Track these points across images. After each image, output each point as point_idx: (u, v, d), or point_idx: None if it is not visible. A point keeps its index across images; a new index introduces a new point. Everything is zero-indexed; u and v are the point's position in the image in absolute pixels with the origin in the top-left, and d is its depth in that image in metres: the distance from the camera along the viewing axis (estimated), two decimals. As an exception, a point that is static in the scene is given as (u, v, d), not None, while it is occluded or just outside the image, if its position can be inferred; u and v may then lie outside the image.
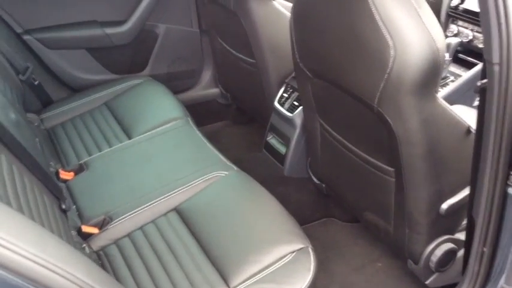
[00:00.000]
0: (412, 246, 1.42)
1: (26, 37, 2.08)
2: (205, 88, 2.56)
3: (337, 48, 1.22)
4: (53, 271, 0.69)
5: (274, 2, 1.86)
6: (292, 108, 1.95)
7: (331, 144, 1.56)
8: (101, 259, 1.40)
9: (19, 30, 2.07)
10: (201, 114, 2.32)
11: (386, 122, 1.16)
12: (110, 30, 2.21)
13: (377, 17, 1.05)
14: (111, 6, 2.22)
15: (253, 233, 1.38)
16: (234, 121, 2.65)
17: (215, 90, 2.57)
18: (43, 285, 0.67)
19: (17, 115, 1.51)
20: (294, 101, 1.95)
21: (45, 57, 2.15)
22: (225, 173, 1.60)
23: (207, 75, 2.55)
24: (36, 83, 2.07)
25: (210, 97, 2.58)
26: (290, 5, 2.04)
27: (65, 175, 1.69)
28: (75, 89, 2.26)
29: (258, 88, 2.10)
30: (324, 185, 1.81)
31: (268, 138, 2.14)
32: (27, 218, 0.79)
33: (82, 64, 2.24)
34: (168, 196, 1.53)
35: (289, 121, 1.97)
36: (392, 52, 1.05)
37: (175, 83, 2.39)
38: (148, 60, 2.36)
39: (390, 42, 1.05)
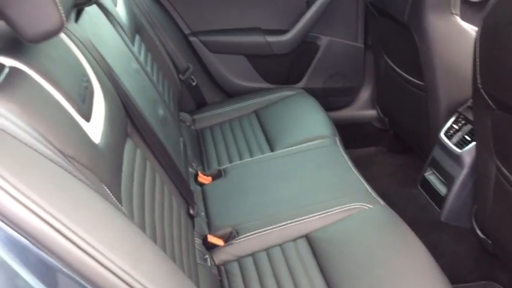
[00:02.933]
0: None
1: (191, 38, 2.14)
2: (361, 108, 2.36)
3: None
4: None
5: (456, 17, 1.59)
6: (461, 143, 1.65)
7: (508, 195, 1.24)
8: (221, 275, 1.31)
9: (186, 31, 2.14)
10: (352, 135, 2.13)
11: None
12: (271, 39, 2.17)
13: None
14: (276, 14, 2.17)
15: (392, 284, 1.15)
16: (388, 148, 2.39)
17: (372, 112, 2.36)
18: None
19: (165, 112, 1.51)
20: (466, 134, 1.65)
21: (206, 59, 2.18)
22: (369, 206, 1.39)
23: (365, 94, 2.35)
24: (194, 83, 2.12)
25: (365, 119, 2.37)
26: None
27: (203, 178, 1.66)
28: (229, 94, 2.26)
29: (422, 115, 1.84)
30: (490, 242, 1.48)
31: (426, 174, 1.86)
32: (128, 223, 0.71)
33: (239, 70, 2.23)
34: (300, 220, 1.38)
35: (456, 158, 1.66)
36: None
37: (329, 99, 2.24)
38: (305, 73, 2.26)
39: None
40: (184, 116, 2.01)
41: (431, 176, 1.84)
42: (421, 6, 1.56)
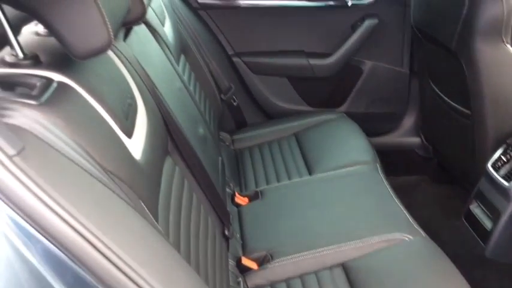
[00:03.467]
0: None
1: (234, 59, 2.16)
2: (404, 135, 2.30)
3: None
4: None
5: (507, 45, 1.54)
6: (509, 176, 1.57)
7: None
8: (253, 299, 1.29)
9: (230, 52, 2.16)
10: (393, 163, 2.08)
11: None
12: (314, 62, 2.16)
13: None
14: (320, 38, 2.17)
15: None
16: (432, 178, 2.32)
17: (415, 140, 2.29)
18: None
19: (205, 131, 1.52)
20: (515, 167, 1.57)
21: (248, 80, 2.20)
22: (410, 237, 1.34)
23: (408, 121, 2.29)
24: (235, 104, 2.13)
25: (407, 146, 2.31)
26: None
27: (239, 199, 1.65)
28: (270, 115, 2.26)
29: (469, 144, 1.77)
30: None
31: (471, 206, 1.77)
32: (163, 241, 0.70)
33: (281, 92, 2.23)
34: (337, 248, 1.34)
35: (504, 191, 1.58)
36: None
37: (371, 125, 2.20)
38: (347, 97, 2.24)
39: None
40: (224, 135, 2.02)
41: (476, 209, 1.75)
42: (470, 34, 1.52)
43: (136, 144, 0.91)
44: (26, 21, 0.92)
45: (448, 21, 1.61)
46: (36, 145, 0.62)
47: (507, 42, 1.54)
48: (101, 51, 0.76)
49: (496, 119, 1.62)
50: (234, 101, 2.12)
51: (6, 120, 0.63)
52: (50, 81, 0.75)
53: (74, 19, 0.73)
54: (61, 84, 0.77)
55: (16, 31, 0.85)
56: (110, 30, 0.75)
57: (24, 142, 0.59)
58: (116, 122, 0.85)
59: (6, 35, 0.75)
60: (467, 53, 1.57)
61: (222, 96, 2.06)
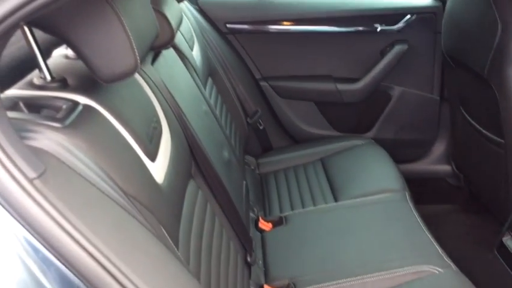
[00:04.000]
0: None
1: (262, 83, 2.17)
2: (434, 163, 2.24)
3: None
4: None
5: (543, 72, 1.49)
6: (546, 209, 1.51)
7: None
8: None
9: (257, 76, 2.17)
10: (423, 191, 2.02)
11: None
12: (342, 87, 2.15)
13: None
14: (348, 63, 2.16)
15: None
16: (463, 207, 2.24)
17: (445, 168, 2.23)
18: None
19: (230, 155, 1.52)
20: (551, 199, 1.50)
21: (274, 104, 2.19)
22: (439, 270, 1.28)
23: (439, 148, 2.23)
24: (261, 127, 2.13)
25: (438, 174, 2.25)
26: None
27: (263, 225, 1.63)
28: (296, 140, 2.24)
29: (501, 174, 1.71)
30: None
31: (504, 239, 1.70)
32: (183, 269, 0.69)
33: (308, 116, 2.22)
34: (363, 279, 1.30)
35: (540, 224, 1.51)
36: None
37: (400, 151, 2.15)
38: (375, 122, 2.20)
39: None
40: (249, 159, 2.01)
41: (509, 241, 1.68)
42: (502, 61, 1.48)
43: (160, 168, 0.91)
44: (57, 45, 0.94)
45: (480, 48, 1.58)
46: (57, 168, 0.62)
47: (542, 70, 1.49)
48: (127, 75, 0.77)
49: (531, 149, 1.56)
50: (260, 124, 2.11)
51: (29, 142, 0.63)
52: (75, 104, 0.76)
53: (101, 43, 0.73)
54: (86, 107, 0.77)
55: (46, 54, 0.87)
56: (137, 55, 0.76)
57: (45, 164, 0.59)
58: (139, 145, 0.85)
59: (36, 58, 0.77)
60: (499, 80, 1.53)
61: (248, 119, 2.06)
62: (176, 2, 1.34)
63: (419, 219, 1.54)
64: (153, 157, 0.90)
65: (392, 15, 2.05)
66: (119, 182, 0.72)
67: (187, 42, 1.61)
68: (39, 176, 0.57)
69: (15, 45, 0.85)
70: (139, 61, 0.77)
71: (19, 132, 0.62)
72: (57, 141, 0.66)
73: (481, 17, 1.58)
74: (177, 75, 1.38)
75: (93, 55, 0.74)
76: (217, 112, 1.71)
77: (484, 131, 1.77)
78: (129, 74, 0.77)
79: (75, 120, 0.72)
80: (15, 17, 0.54)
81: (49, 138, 0.65)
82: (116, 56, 0.75)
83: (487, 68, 1.56)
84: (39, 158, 0.59)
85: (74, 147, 0.67)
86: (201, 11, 2.08)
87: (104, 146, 0.74)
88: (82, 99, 0.78)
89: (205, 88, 1.66)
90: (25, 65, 0.84)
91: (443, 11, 1.93)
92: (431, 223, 1.57)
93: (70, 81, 0.82)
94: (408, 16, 2.03)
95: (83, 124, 0.73)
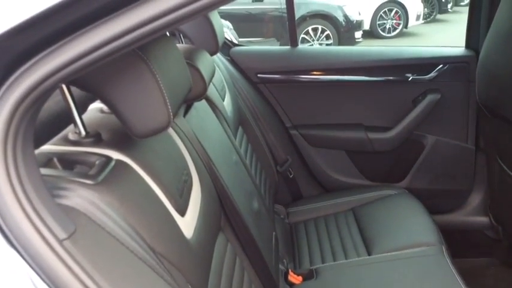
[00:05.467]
0: None
1: (292, 131, 2.17)
2: (471, 214, 2.16)
3: None
4: None
5: None
6: None
7: None
8: None
9: (288, 124, 2.17)
10: (460, 243, 1.94)
11: None
12: (373, 136, 2.12)
13: None
14: (380, 112, 2.14)
15: None
16: (502, 261, 2.13)
17: (483, 219, 2.14)
18: None
19: (260, 205, 1.50)
20: None
21: (305, 152, 2.18)
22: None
23: (475, 199, 2.15)
24: (291, 176, 2.11)
25: (475, 226, 2.16)
26: None
27: (293, 278, 1.58)
28: (326, 189, 2.21)
29: (544, 229, 1.63)
30: None
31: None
32: None
33: (338, 165, 2.19)
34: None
35: None
36: None
37: (435, 202, 2.09)
38: (408, 172, 2.15)
39: None
40: (279, 208, 1.98)
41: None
42: (542, 112, 1.44)
43: (189, 223, 0.90)
44: (93, 99, 0.97)
45: (517, 98, 1.54)
46: (87, 227, 0.62)
47: None
48: (160, 131, 0.77)
49: None
50: (290, 173, 2.10)
51: (61, 201, 0.64)
52: (108, 159, 0.77)
53: (135, 100, 0.75)
54: (119, 163, 0.78)
55: (82, 109, 0.89)
56: (170, 110, 0.77)
57: (76, 224, 0.59)
58: (170, 201, 0.85)
59: (71, 113, 0.79)
60: (539, 131, 1.48)
61: (278, 168, 2.05)
62: (209, 55, 1.37)
63: (456, 275, 1.46)
64: (183, 212, 0.89)
65: (425, 64, 2.04)
66: (148, 239, 0.71)
67: (218, 93, 1.63)
68: (69, 237, 0.57)
69: (52, 100, 0.88)
70: (172, 117, 0.78)
71: (51, 190, 0.63)
72: (89, 199, 0.66)
73: (516, 67, 1.55)
74: (208, 126, 1.39)
75: (128, 112, 0.75)
76: (248, 161, 1.70)
77: (523, 183, 1.70)
78: (162, 129, 0.77)
79: (108, 177, 0.73)
80: (55, 78, 0.55)
81: (81, 196, 0.65)
82: (150, 112, 0.76)
83: (525, 118, 1.52)
84: (70, 217, 0.59)
85: (105, 205, 0.67)
86: (233, 62, 2.13)
87: (135, 203, 0.74)
88: (115, 155, 0.79)
89: (235, 137, 1.67)
90: (61, 119, 0.86)
91: (476, 61, 1.91)
92: (470, 278, 1.49)
93: (104, 135, 0.83)
94: (441, 65, 2.01)
95: (115, 181, 0.73)
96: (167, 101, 0.76)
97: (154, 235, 0.73)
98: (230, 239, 1.14)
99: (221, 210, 1.13)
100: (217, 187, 1.14)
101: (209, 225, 1.00)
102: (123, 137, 0.84)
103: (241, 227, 1.20)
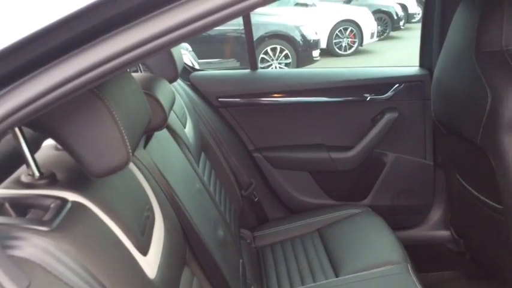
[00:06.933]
0: None
1: (255, 154, 2.16)
2: (433, 229, 2.21)
3: None
4: None
5: (536, 139, 1.49)
6: (554, 278, 1.46)
7: None
8: None
9: (251, 147, 2.17)
10: (423, 258, 1.97)
11: None
12: (335, 155, 2.15)
13: None
14: (340, 131, 2.17)
15: None
16: (465, 273, 2.18)
17: (445, 233, 2.19)
18: None
19: (225, 233, 1.48)
20: (559, 268, 1.46)
21: (269, 175, 2.18)
22: None
23: (436, 214, 2.20)
24: (256, 199, 2.09)
25: (437, 240, 2.20)
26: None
27: (262, 304, 1.56)
28: (292, 210, 2.21)
29: (503, 240, 1.67)
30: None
31: (513, 309, 1.64)
32: None
33: (302, 186, 2.19)
34: None
35: (549, 295, 1.46)
36: None
37: (397, 218, 2.12)
38: (370, 190, 2.18)
39: None
40: (245, 232, 1.96)
41: (519, 312, 1.62)
42: (495, 128, 1.48)
43: (152, 261, 0.87)
44: (46, 137, 0.93)
45: (471, 116, 1.59)
46: (43, 280, 0.58)
47: (535, 135, 1.49)
48: (119, 169, 0.75)
49: (531, 215, 1.54)
50: (255, 196, 2.08)
51: (14, 252, 0.60)
52: (64, 202, 0.73)
53: (91, 139, 0.72)
54: (75, 205, 0.75)
55: (35, 147, 0.85)
56: (129, 147, 0.74)
57: (30, 277, 0.56)
58: (131, 240, 0.81)
59: (24, 154, 0.75)
60: (494, 147, 1.53)
61: (243, 192, 2.03)
62: (168, 83, 1.35)
63: (424, 292, 1.48)
64: (145, 250, 0.86)
65: (382, 84, 2.09)
66: (108, 285, 0.68)
67: (179, 120, 1.61)
68: None
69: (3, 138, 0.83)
70: (131, 153, 0.75)
71: (3, 240, 0.59)
72: (44, 247, 0.62)
73: (469, 85, 1.60)
74: (170, 155, 1.36)
75: (84, 151, 0.72)
76: (211, 188, 1.68)
77: (481, 197, 1.75)
78: (121, 167, 0.75)
79: (64, 221, 0.69)
80: (5, 124, 0.52)
81: (35, 246, 0.62)
82: (107, 151, 0.73)
83: (480, 135, 1.56)
84: (23, 269, 0.56)
85: (61, 253, 0.63)
86: (193, 87, 2.11)
87: (93, 248, 0.70)
88: (71, 196, 0.76)
89: (198, 164, 1.65)
90: (13, 160, 0.82)
91: (430, 79, 1.97)
92: (435, 292, 1.51)
93: (59, 175, 0.80)
94: (397, 85, 2.07)
95: (72, 225, 0.70)
96: (125, 137, 0.74)
97: (114, 280, 0.70)
98: (196, 273, 1.11)
99: (185, 243, 1.10)
100: (180, 219, 1.11)
101: (173, 261, 0.97)
102: (80, 176, 0.80)
103: (207, 259, 1.17)
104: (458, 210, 2.05)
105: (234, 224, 1.76)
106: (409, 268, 1.62)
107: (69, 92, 0.54)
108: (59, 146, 0.92)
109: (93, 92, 0.70)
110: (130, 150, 0.75)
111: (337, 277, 1.63)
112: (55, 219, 0.68)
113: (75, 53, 0.53)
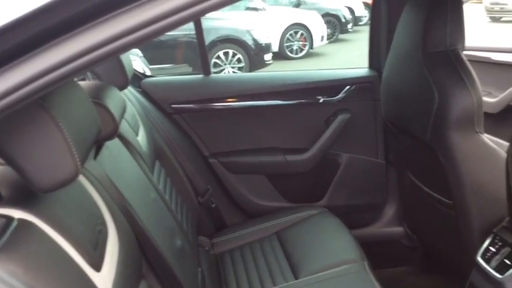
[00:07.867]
0: None
1: (211, 160, 2.14)
2: (387, 226, 2.26)
3: None
4: None
5: (482, 135, 1.56)
6: (502, 268, 1.51)
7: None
8: None
9: (206, 153, 2.15)
10: (379, 254, 2.01)
11: None
12: (290, 158, 2.16)
13: None
14: (295, 134, 2.19)
15: None
16: (419, 268, 2.24)
17: (399, 229, 2.25)
18: None
19: (183, 242, 1.45)
20: (505, 258, 1.52)
21: (225, 180, 2.16)
22: None
23: (390, 211, 2.26)
24: (213, 205, 2.07)
25: (392, 236, 2.26)
26: (501, 141, 1.71)
27: (223, 312, 1.54)
28: (250, 215, 2.20)
29: (454, 235, 1.73)
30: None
31: (465, 300, 1.70)
32: None
33: (259, 190, 2.20)
34: None
35: (498, 285, 1.51)
36: None
37: (353, 217, 2.16)
38: (326, 190, 2.21)
39: None
40: (203, 240, 1.93)
41: (471, 302, 1.67)
42: (443, 126, 1.54)
43: (106, 277, 0.84)
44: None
45: (419, 114, 1.64)
46: None
47: (480, 132, 1.56)
48: (67, 183, 0.71)
49: (479, 209, 1.60)
50: (212, 202, 2.06)
51: None
52: (9, 220, 0.69)
53: (36, 152, 0.68)
54: (22, 222, 0.70)
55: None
56: (77, 159, 0.71)
57: None
58: (83, 256, 0.78)
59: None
60: (442, 144, 1.58)
61: (200, 198, 2.01)
62: (118, 91, 1.31)
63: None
64: (98, 266, 0.82)
65: (334, 86, 2.12)
66: None
67: (131, 128, 1.57)
68: None
69: None
70: (80, 166, 0.72)
71: None
72: None
73: (417, 85, 1.65)
74: (123, 164, 1.32)
75: (28, 165, 0.68)
76: (167, 196, 1.65)
77: (432, 193, 1.80)
78: (69, 181, 0.71)
79: (9, 241, 0.65)
80: None
81: None
82: (54, 164, 0.69)
83: (429, 133, 1.61)
84: None
85: (7, 275, 0.60)
86: (145, 93, 2.07)
87: (42, 268, 0.67)
88: (17, 213, 0.72)
89: (152, 172, 1.61)
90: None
91: (379, 80, 2.02)
92: (390, 287, 1.55)
93: (4, 192, 0.75)
94: (348, 86, 2.11)
95: (17, 245, 0.66)
96: (73, 149, 0.70)
97: None
98: (153, 285, 1.08)
99: (141, 256, 1.07)
100: (135, 231, 1.08)
101: (129, 275, 0.94)
102: (26, 192, 0.76)
103: (165, 270, 1.14)
104: (411, 207, 2.11)
105: (192, 231, 1.73)
106: (366, 266, 1.65)
107: (12, 103, 0.51)
108: (1, 160, 0.88)
109: (37, 102, 0.67)
110: (79, 162, 0.71)
111: (296, 279, 1.64)
112: (0, 239, 0.64)
113: (17, 62, 0.50)
